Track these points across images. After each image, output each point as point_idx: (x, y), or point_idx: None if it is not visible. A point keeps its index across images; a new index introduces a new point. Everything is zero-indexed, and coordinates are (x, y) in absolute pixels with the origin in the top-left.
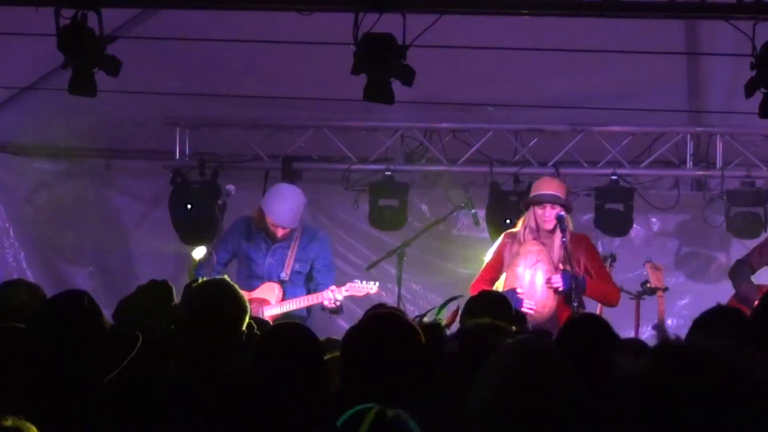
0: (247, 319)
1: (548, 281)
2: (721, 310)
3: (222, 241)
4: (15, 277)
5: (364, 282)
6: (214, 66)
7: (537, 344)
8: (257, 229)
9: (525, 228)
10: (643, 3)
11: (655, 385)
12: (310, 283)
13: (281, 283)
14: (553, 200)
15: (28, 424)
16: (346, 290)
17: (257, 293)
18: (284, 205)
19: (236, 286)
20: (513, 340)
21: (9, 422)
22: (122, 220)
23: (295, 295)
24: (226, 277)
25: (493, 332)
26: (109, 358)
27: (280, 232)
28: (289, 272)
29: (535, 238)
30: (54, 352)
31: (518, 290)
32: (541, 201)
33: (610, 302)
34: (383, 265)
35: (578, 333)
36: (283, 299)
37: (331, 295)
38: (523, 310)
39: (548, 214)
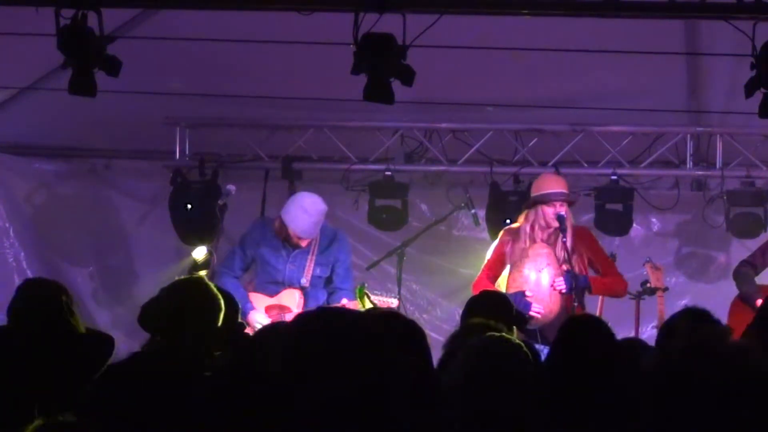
0: (221, 317)
1: (552, 285)
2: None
3: (239, 246)
4: (15, 277)
5: (386, 297)
6: (214, 66)
7: (498, 343)
8: (277, 236)
9: (531, 226)
10: (643, 3)
11: (669, 381)
12: (329, 285)
13: (302, 289)
14: (563, 198)
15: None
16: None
17: (278, 299)
18: (308, 219)
19: (211, 285)
20: (475, 340)
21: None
22: (122, 220)
23: (316, 298)
24: (202, 273)
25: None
26: (85, 363)
27: (303, 243)
28: (309, 278)
29: (541, 237)
30: (26, 358)
31: (527, 293)
32: (550, 200)
33: (618, 294)
34: (383, 265)
35: (575, 333)
36: (304, 305)
37: None
38: (531, 313)
39: (557, 212)
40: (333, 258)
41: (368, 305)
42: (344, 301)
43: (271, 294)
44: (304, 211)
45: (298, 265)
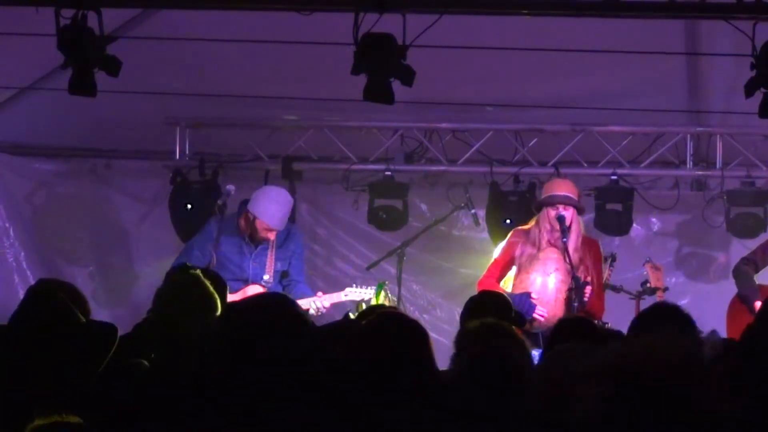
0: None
1: (558, 289)
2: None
3: (197, 243)
4: (15, 277)
5: (362, 288)
6: (214, 66)
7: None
8: (239, 232)
9: (539, 230)
10: (643, 3)
11: None
12: (284, 278)
13: (264, 285)
14: (565, 201)
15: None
16: (345, 295)
17: (243, 295)
18: (279, 209)
19: (207, 283)
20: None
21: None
22: (122, 220)
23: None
24: (198, 271)
25: (493, 334)
26: (88, 355)
27: (271, 236)
28: (272, 273)
29: (549, 240)
30: (29, 353)
31: (533, 296)
32: (553, 202)
33: (593, 317)
34: (383, 265)
35: (566, 333)
36: None
37: (318, 304)
38: (535, 315)
39: (558, 213)
40: (290, 252)
41: (382, 301)
42: (319, 294)
43: (235, 291)
44: (274, 202)
45: (259, 262)
